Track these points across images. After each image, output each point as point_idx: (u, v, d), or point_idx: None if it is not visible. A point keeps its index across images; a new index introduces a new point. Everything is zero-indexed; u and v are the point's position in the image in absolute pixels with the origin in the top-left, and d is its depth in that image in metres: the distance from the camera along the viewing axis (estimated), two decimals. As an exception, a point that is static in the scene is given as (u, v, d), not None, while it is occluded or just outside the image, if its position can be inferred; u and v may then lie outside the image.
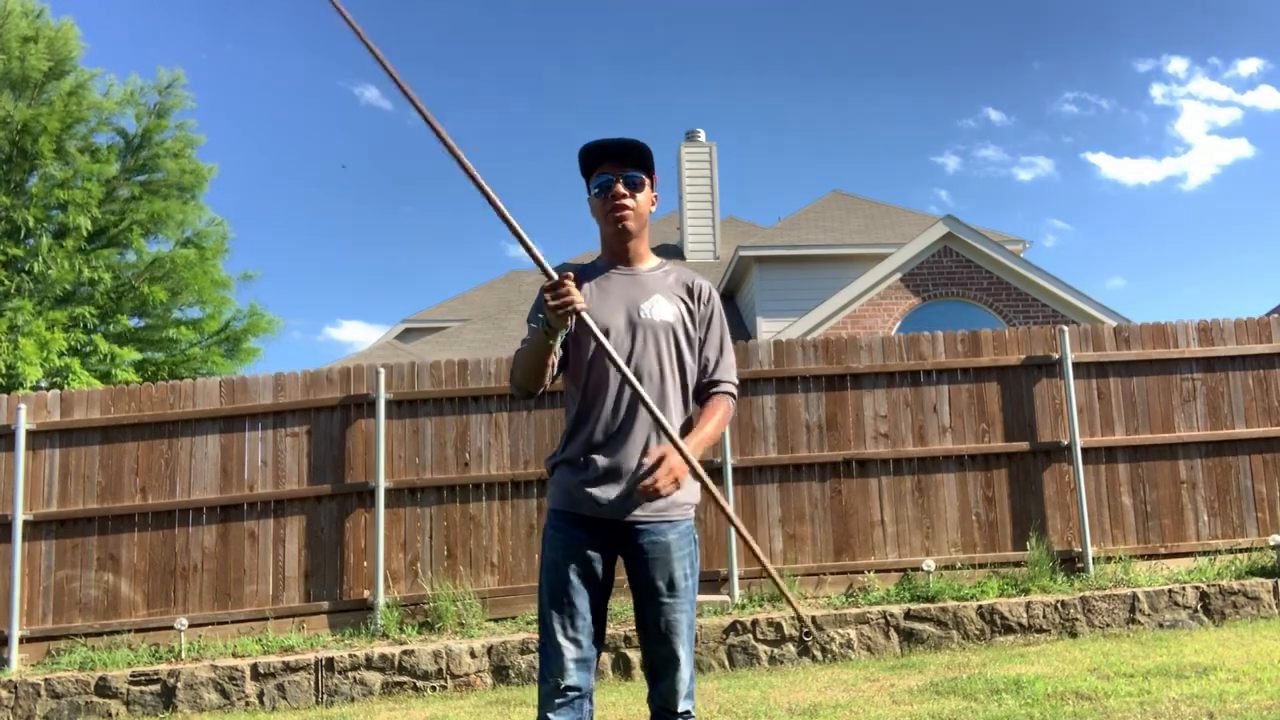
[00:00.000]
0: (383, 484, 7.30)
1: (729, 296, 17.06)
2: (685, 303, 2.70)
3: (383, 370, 7.49)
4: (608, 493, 2.57)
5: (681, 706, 2.60)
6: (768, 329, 14.59)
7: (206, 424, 7.42)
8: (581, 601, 2.57)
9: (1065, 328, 7.75)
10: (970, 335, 7.74)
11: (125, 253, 14.91)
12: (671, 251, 19.46)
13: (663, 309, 2.66)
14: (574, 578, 2.57)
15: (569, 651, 2.53)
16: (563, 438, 2.69)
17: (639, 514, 2.58)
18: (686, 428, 2.69)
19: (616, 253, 2.73)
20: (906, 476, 7.51)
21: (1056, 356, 7.63)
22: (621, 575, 2.65)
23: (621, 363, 2.51)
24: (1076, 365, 7.62)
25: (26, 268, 13.63)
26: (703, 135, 19.27)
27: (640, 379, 2.58)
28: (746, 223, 21.14)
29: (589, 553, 2.58)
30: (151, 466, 7.38)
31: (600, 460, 2.58)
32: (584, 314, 2.45)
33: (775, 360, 7.61)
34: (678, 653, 2.59)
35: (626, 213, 2.67)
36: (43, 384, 12.83)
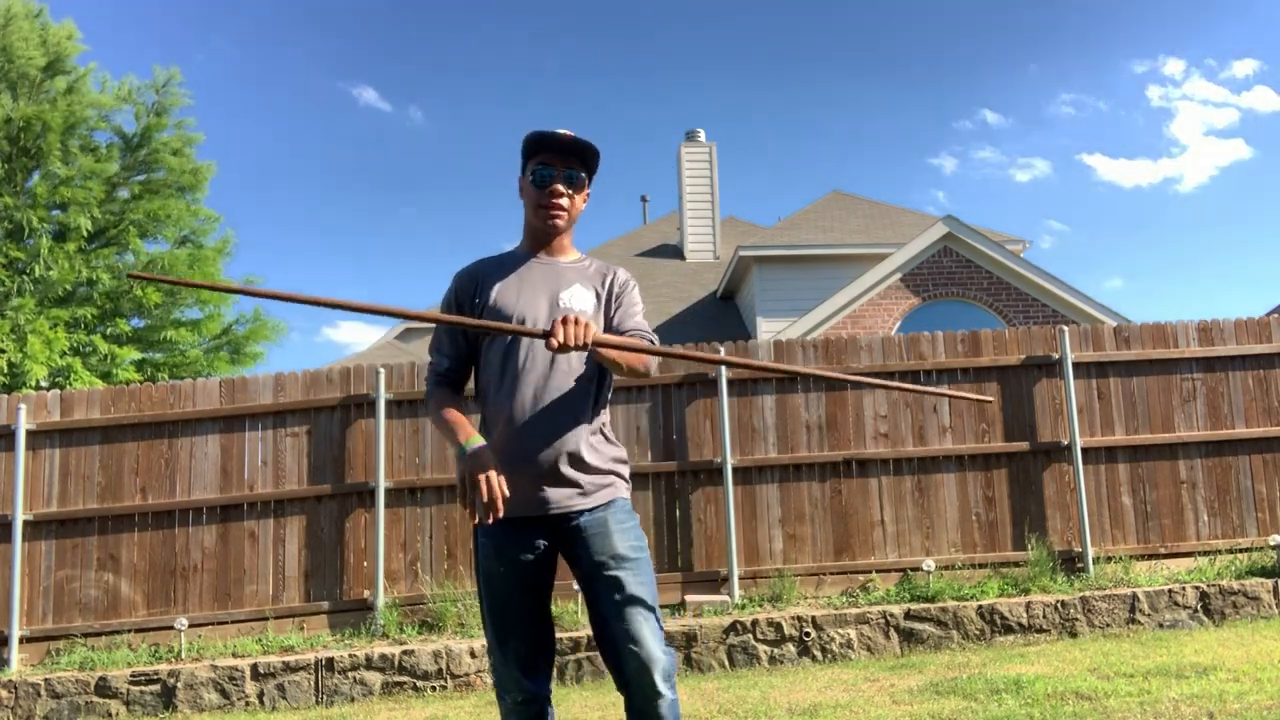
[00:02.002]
0: (383, 484, 7.30)
1: (729, 296, 17.06)
2: (598, 291, 2.63)
3: (383, 370, 7.49)
4: (527, 487, 2.46)
5: (660, 686, 2.37)
6: (768, 329, 14.59)
7: (206, 424, 7.42)
8: (521, 611, 2.49)
9: (1065, 328, 7.75)
10: (970, 335, 7.74)
11: (124, 254, 14.90)
12: (671, 251, 19.46)
13: (581, 298, 2.60)
14: (509, 586, 2.49)
15: (519, 664, 2.49)
16: None
17: (571, 504, 2.48)
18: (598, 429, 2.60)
19: (540, 243, 2.67)
20: (906, 476, 7.51)
21: (1056, 356, 7.63)
22: (565, 579, 2.52)
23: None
24: (1076, 365, 7.62)
25: (27, 270, 13.63)
26: (703, 135, 19.28)
27: (565, 368, 2.52)
28: (746, 223, 21.14)
29: (523, 556, 2.48)
30: (151, 466, 7.38)
31: (511, 454, 2.47)
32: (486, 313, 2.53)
33: (775, 360, 7.61)
34: (641, 629, 2.39)
35: (560, 212, 2.61)
36: (43, 384, 12.83)
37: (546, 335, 2.25)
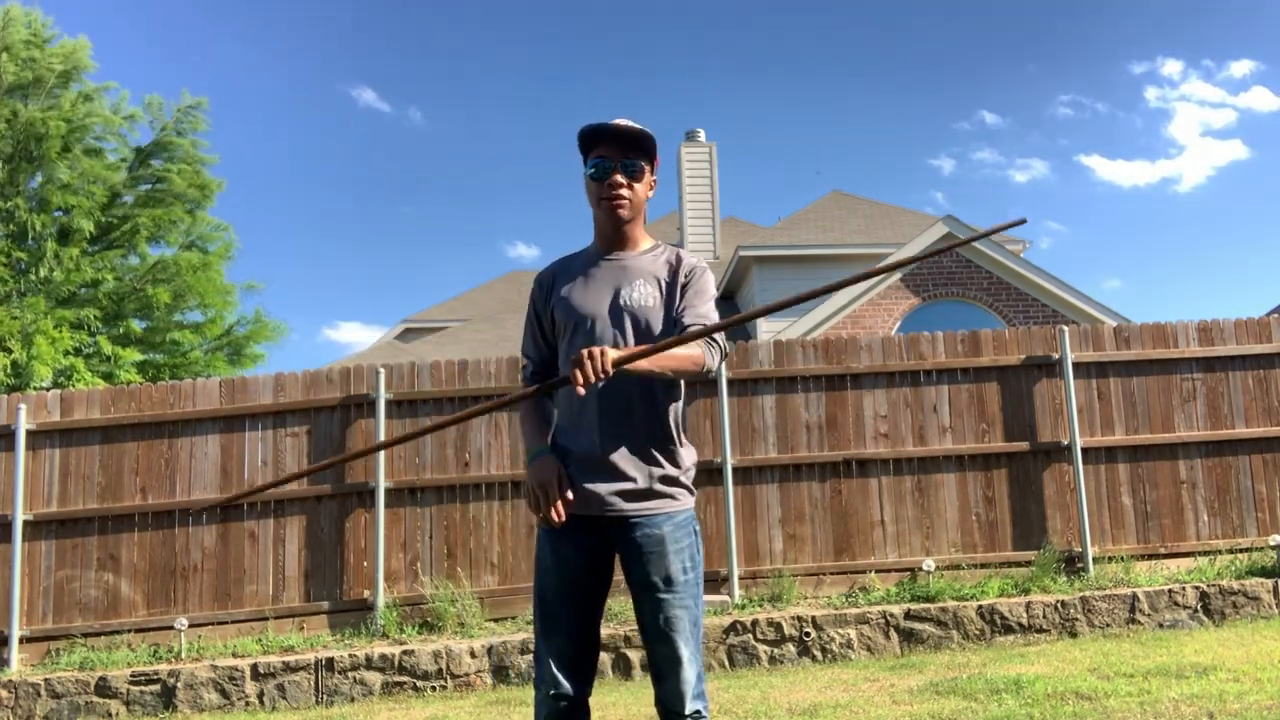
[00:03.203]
0: (383, 484, 7.30)
1: (729, 296, 17.06)
2: (664, 282, 2.57)
3: (383, 370, 7.49)
4: (590, 487, 2.46)
5: (689, 707, 2.45)
6: (768, 329, 14.60)
7: (206, 424, 7.42)
8: (569, 609, 2.50)
9: (1065, 328, 7.75)
10: (970, 335, 7.74)
11: (129, 256, 14.94)
12: (671, 251, 19.46)
13: (644, 293, 2.55)
14: (561, 584, 2.50)
15: (558, 660, 2.49)
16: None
17: (629, 507, 2.47)
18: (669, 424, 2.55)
19: (608, 237, 2.63)
20: (906, 476, 7.50)
21: (1056, 356, 7.63)
22: (619, 573, 2.55)
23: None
24: (1076, 365, 7.62)
25: (30, 271, 13.64)
26: (703, 135, 19.27)
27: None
28: (746, 223, 21.14)
29: (577, 555, 2.49)
30: (151, 466, 7.38)
31: (575, 453, 2.49)
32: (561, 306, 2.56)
33: (775, 360, 7.61)
34: (679, 651, 2.44)
35: (622, 202, 2.57)
36: (45, 384, 12.84)
37: (568, 381, 2.24)
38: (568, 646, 2.50)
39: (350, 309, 52.91)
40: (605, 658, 6.42)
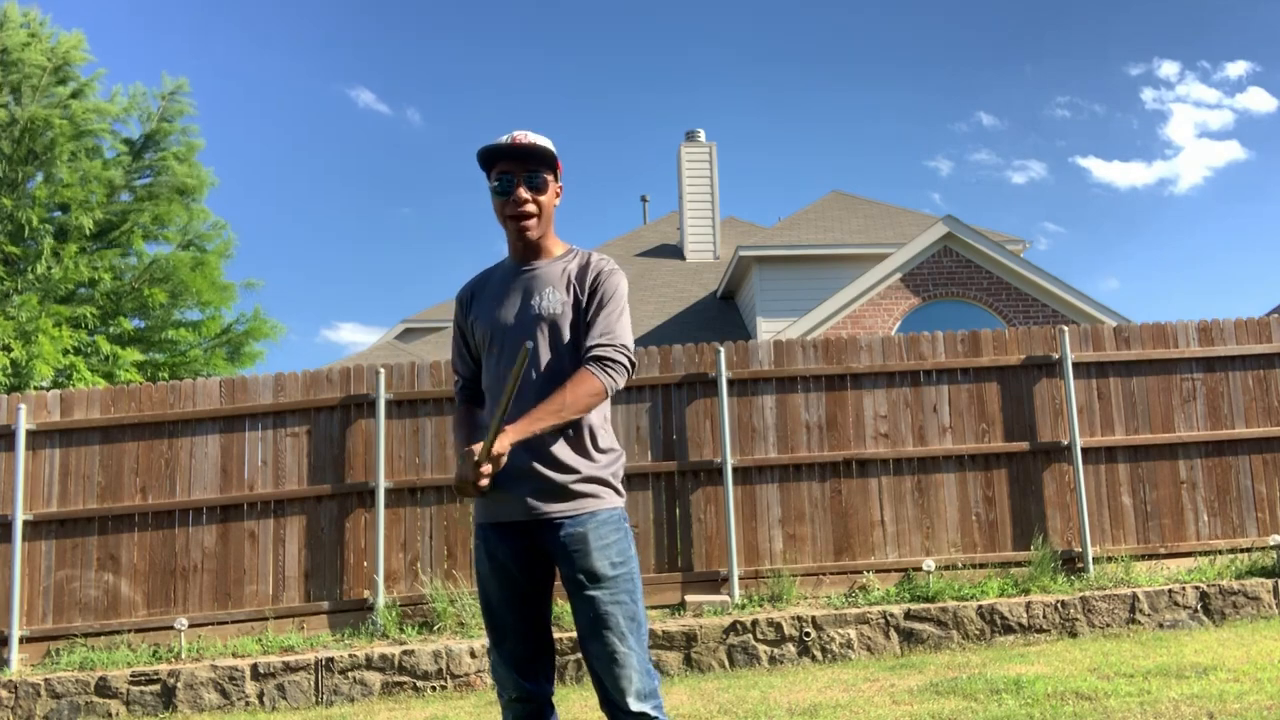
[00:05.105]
0: (383, 484, 7.29)
1: (729, 296, 17.06)
2: (573, 285, 2.60)
3: (383, 370, 7.49)
4: (511, 493, 2.50)
5: (634, 706, 2.41)
6: (768, 329, 14.59)
7: (206, 424, 7.42)
8: (513, 613, 2.53)
9: (1065, 328, 7.75)
10: (970, 335, 7.73)
11: (127, 254, 14.91)
12: (671, 251, 19.46)
13: (553, 300, 2.58)
14: (500, 590, 2.53)
15: (513, 663, 2.53)
16: None
17: (550, 509, 2.49)
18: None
19: (519, 250, 2.67)
20: (906, 476, 7.50)
21: (1056, 356, 7.63)
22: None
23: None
24: (1076, 365, 7.62)
25: (28, 269, 13.63)
26: (703, 135, 19.27)
27: (539, 373, 2.53)
28: (746, 223, 21.13)
29: (513, 560, 2.52)
30: (151, 466, 7.38)
31: (509, 459, 2.47)
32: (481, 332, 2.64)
33: (775, 360, 7.61)
34: (614, 647, 2.42)
35: (530, 220, 2.60)
36: (45, 384, 12.83)
37: (463, 486, 2.42)
38: (519, 648, 2.54)
39: (349, 310, 52.92)
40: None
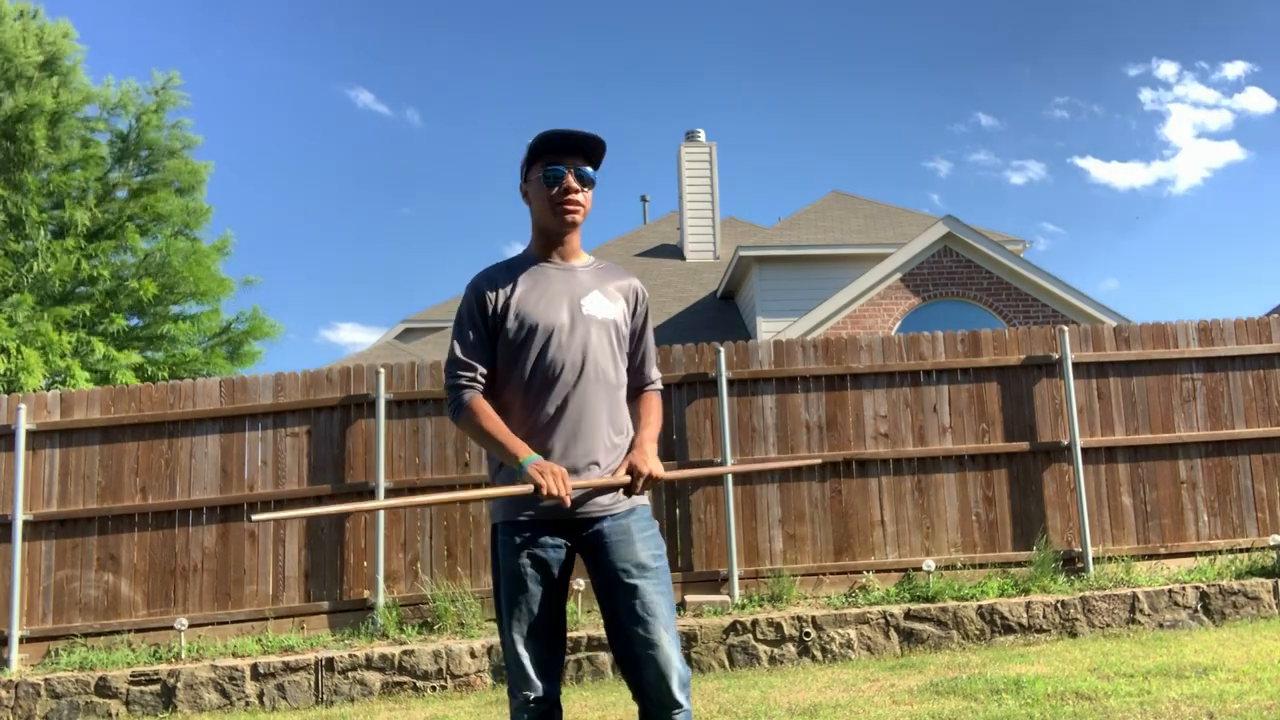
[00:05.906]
0: (383, 484, 7.29)
1: (729, 296, 17.06)
2: (624, 304, 2.68)
3: (383, 370, 7.49)
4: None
5: (678, 695, 2.42)
6: (768, 329, 14.59)
7: (206, 424, 7.42)
8: (544, 611, 2.50)
9: (1065, 328, 7.75)
10: (970, 335, 7.73)
11: (123, 250, 14.87)
12: (671, 251, 19.46)
13: (603, 306, 2.62)
14: (535, 586, 2.49)
15: (537, 665, 2.48)
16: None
17: (594, 507, 2.53)
18: (634, 422, 2.71)
19: (553, 245, 2.64)
20: (906, 476, 7.50)
21: (1056, 356, 7.63)
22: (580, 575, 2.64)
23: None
24: (1076, 365, 7.62)
25: (26, 267, 13.61)
26: (703, 135, 19.27)
27: (594, 375, 2.56)
28: (746, 223, 21.13)
29: (549, 557, 2.51)
30: (151, 466, 7.38)
31: (560, 459, 2.50)
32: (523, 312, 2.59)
33: (775, 360, 7.61)
34: (661, 636, 2.43)
35: (577, 208, 2.59)
36: (43, 384, 12.81)
37: (628, 488, 2.49)
38: (543, 649, 2.50)
39: (349, 310, 52.93)
40: (606, 658, 6.42)
